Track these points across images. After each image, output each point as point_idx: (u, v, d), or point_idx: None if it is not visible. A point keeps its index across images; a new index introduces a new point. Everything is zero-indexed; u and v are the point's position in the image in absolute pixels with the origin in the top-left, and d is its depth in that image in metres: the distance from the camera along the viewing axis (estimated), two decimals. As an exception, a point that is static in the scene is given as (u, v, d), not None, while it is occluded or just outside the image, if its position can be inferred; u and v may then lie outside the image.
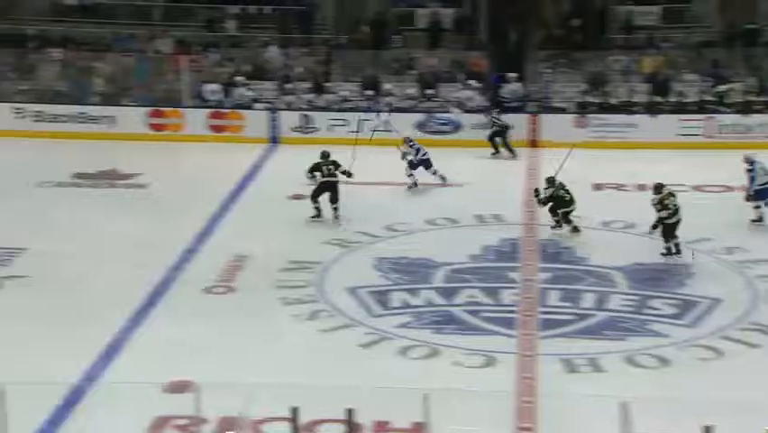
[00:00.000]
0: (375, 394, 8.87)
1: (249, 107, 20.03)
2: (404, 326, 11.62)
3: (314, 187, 14.90)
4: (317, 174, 14.83)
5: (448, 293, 12.58)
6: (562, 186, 14.28)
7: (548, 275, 13.12)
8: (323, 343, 11.21)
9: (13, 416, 7.68)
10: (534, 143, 19.39)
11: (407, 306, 12.22)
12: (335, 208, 14.85)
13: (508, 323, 11.72)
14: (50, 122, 19.86)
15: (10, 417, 7.65)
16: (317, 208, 14.84)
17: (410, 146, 16.55)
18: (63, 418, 9.15)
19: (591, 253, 13.71)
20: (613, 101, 19.83)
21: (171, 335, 11.09)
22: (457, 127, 19.65)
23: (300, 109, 20.05)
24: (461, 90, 20.09)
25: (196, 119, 19.91)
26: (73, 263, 13.17)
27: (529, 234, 14.68)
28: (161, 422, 9.00)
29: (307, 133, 19.64)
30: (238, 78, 20.39)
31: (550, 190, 14.30)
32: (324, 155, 14.89)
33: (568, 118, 19.54)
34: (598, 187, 16.57)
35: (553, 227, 14.46)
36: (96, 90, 20.69)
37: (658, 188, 13.58)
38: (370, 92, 20.20)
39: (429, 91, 20.12)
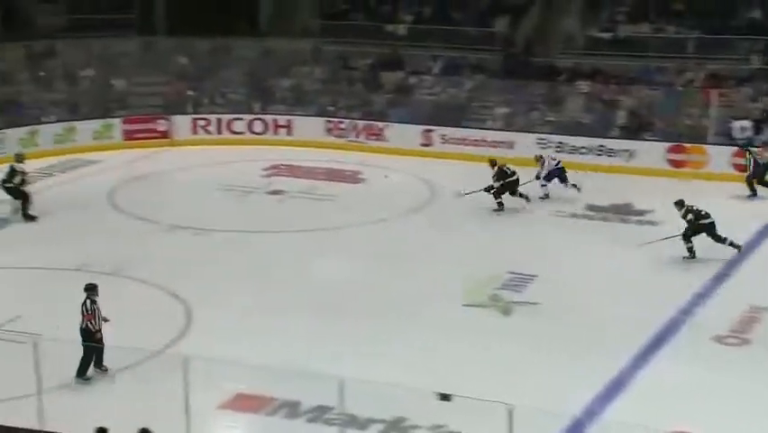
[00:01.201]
0: None
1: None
2: None
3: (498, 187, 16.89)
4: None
5: None
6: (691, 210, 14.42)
7: None
8: None
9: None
10: None
11: None
12: (521, 195, 17.08)
13: None
14: (570, 153, 20.14)
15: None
16: (500, 204, 16.98)
17: (541, 164, 17.75)
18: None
19: None
20: None
21: (676, 380, 10.56)
22: None
23: None
24: None
25: (720, 157, 18.89)
26: (578, 294, 13.18)
27: None
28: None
29: None
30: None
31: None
32: (492, 162, 17.21)
33: None
34: None
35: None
36: (617, 123, 20.68)
37: None
38: None
39: None
